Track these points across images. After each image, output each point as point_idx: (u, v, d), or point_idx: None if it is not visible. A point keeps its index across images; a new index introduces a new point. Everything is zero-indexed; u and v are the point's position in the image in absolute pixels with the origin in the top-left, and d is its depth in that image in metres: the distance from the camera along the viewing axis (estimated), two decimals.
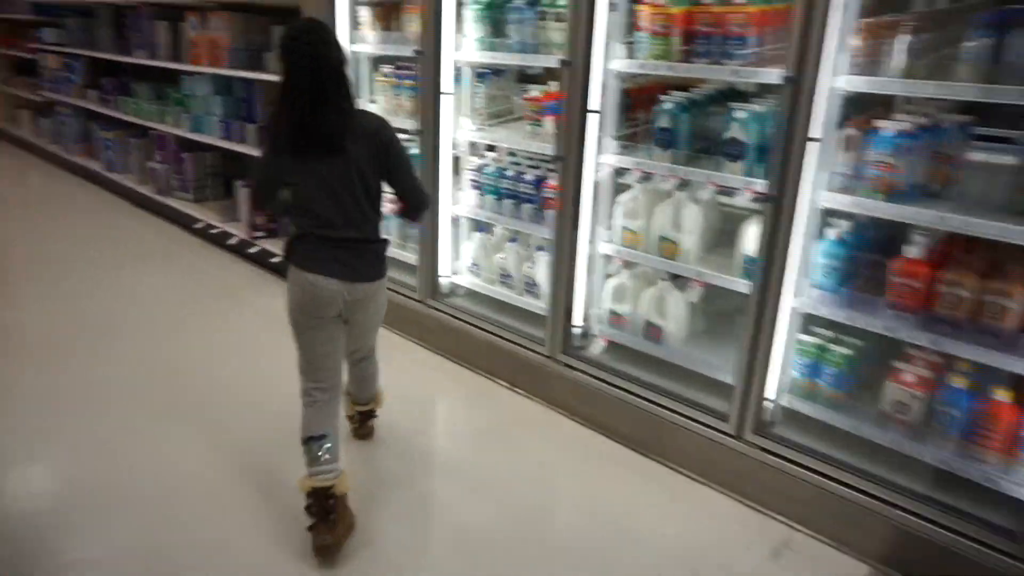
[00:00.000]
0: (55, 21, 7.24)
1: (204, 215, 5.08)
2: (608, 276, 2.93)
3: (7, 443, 2.65)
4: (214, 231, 4.95)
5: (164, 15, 5.28)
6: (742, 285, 2.45)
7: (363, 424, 2.78)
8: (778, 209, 2.21)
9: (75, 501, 2.35)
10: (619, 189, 2.83)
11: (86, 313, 3.88)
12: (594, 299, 2.96)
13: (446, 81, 3.20)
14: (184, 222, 5.30)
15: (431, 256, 3.47)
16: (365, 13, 3.65)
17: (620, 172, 2.77)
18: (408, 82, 3.50)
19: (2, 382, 3.08)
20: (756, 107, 2.37)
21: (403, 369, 3.32)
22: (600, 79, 2.65)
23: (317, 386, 2.16)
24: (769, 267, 2.28)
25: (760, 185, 2.30)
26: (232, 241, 4.77)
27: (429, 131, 3.26)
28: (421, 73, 3.20)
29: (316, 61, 1.95)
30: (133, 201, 6.00)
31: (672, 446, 2.65)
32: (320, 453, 2.10)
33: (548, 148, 2.91)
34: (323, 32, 2.01)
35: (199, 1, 4.69)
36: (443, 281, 3.54)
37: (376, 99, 3.78)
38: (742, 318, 2.40)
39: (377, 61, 3.80)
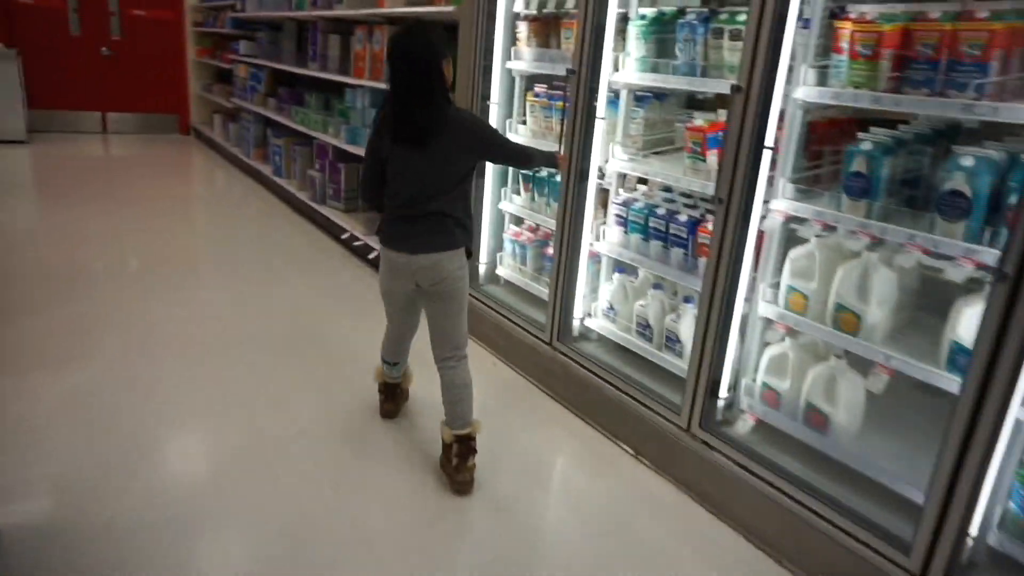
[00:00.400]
0: (250, 35, 7.81)
1: (351, 226, 5.11)
2: (766, 344, 2.45)
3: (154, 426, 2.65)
4: (358, 243, 4.95)
5: (337, 29, 5.43)
6: (948, 381, 1.89)
7: (461, 462, 2.42)
8: (1015, 291, 1.65)
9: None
10: (791, 242, 2.35)
11: (223, 319, 3.95)
12: (746, 368, 2.49)
13: (600, 104, 2.88)
14: (334, 231, 5.37)
15: (564, 294, 3.14)
16: (523, 28, 3.43)
17: (794, 222, 2.29)
18: (560, 103, 3.22)
19: (149, 375, 3.15)
20: (991, 153, 1.83)
21: (520, 416, 3.02)
22: (779, 109, 2.21)
23: (389, 360, 2.79)
24: (992, 364, 1.72)
25: (989, 256, 1.76)
26: (373, 255, 4.73)
27: (577, 157, 2.94)
28: (573, 94, 2.90)
29: (408, 64, 2.19)
30: (293, 206, 6.22)
31: (826, 566, 2.11)
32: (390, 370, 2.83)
33: (710, 186, 2.50)
34: (419, 36, 2.22)
35: (367, 16, 4.73)
36: (575, 323, 3.20)
37: (526, 119, 3.54)
38: (944, 422, 1.84)
39: (531, 80, 3.57)
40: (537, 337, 3.28)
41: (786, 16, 2.12)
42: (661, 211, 2.77)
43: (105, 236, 5.15)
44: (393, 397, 2.91)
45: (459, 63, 3.63)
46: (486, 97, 3.59)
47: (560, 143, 2.94)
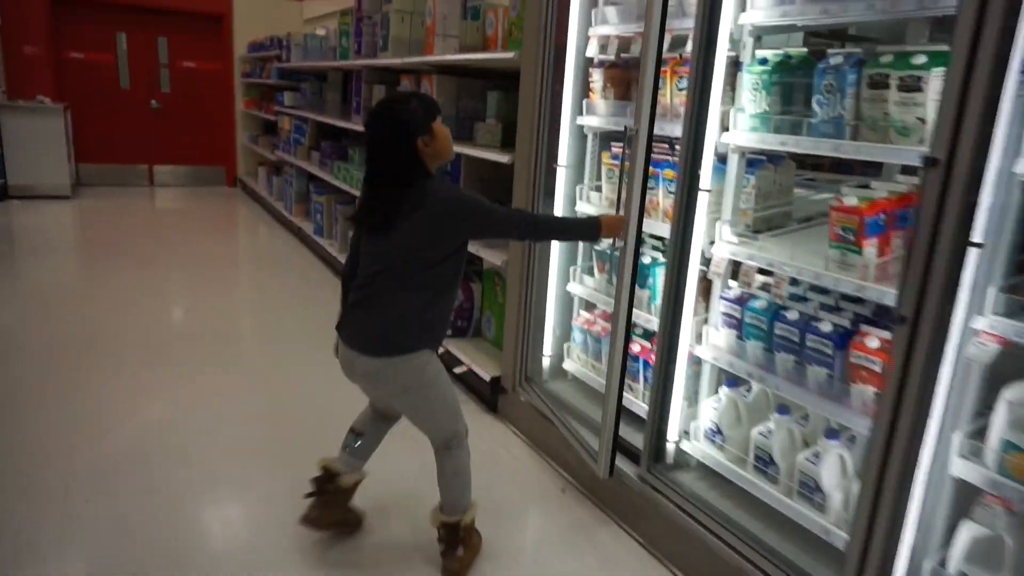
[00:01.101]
0: (295, 86, 7.48)
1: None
2: (968, 518, 1.71)
3: None
4: None
5: (382, 79, 4.95)
6: None
7: (448, 549, 2.23)
8: None
9: None
10: (1004, 377, 1.64)
11: (247, 405, 3.39)
12: (928, 547, 1.75)
13: (705, 172, 2.24)
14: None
15: (653, 409, 2.46)
16: (597, 77, 2.83)
17: (1014, 349, 1.58)
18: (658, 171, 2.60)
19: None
20: None
21: (593, 564, 2.32)
22: (993, 191, 1.52)
23: (355, 427, 2.39)
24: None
25: None
26: None
27: (675, 239, 2.29)
28: (681, 159, 2.26)
29: (373, 146, 2.03)
30: (335, 269, 5.72)
31: None
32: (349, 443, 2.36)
33: (867, 288, 1.82)
34: (386, 115, 2.00)
35: (414, 64, 4.23)
36: (668, 446, 2.51)
37: (601, 185, 2.92)
38: None
39: (606, 138, 2.95)
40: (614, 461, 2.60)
41: (1009, 61, 1.45)
42: (793, 316, 2.09)
43: (129, 302, 4.70)
44: (327, 502, 2.30)
45: (521, 119, 3.04)
46: (552, 159, 2.99)
47: (618, 203, 2.32)
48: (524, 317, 3.18)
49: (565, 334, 3.22)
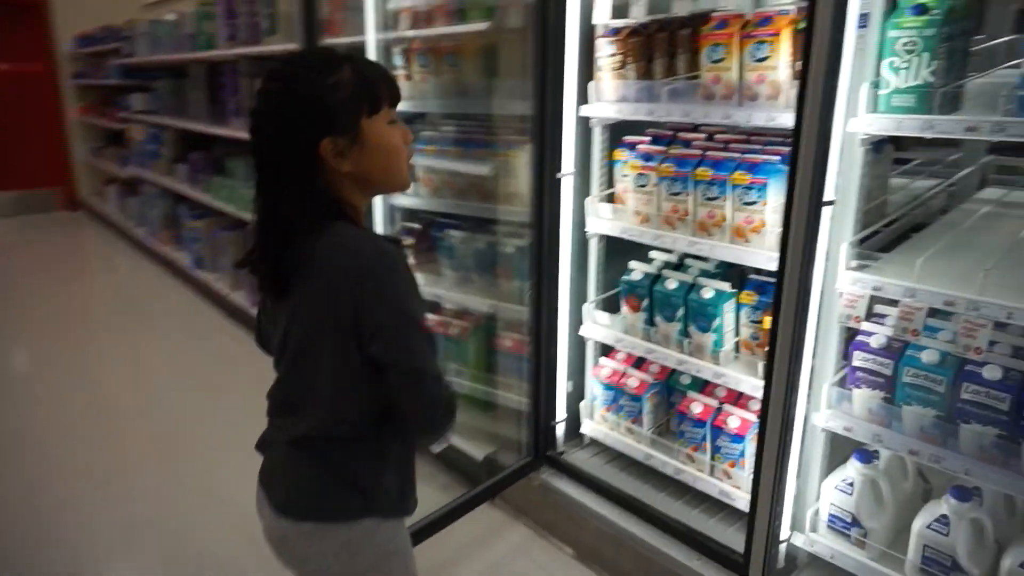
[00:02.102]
0: (145, 85, 6.17)
1: None
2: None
3: None
4: None
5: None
6: None
7: None
8: None
9: None
10: None
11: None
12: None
13: (830, 179, 1.56)
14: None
15: (765, 495, 1.79)
16: (609, 50, 2.09)
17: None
18: (683, 171, 1.92)
19: None
20: None
21: None
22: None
23: None
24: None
25: None
26: None
27: (793, 268, 1.60)
28: (798, 162, 1.56)
29: (255, 145, 1.18)
30: (226, 310, 4.64)
31: None
32: None
33: None
34: (280, 84, 1.15)
35: None
36: (780, 546, 1.85)
37: (614, 194, 2.21)
38: None
39: (616, 131, 2.24)
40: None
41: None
42: (994, 375, 1.47)
43: None
44: None
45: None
46: (557, 166, 2.23)
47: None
48: (538, 362, 2.40)
49: (579, 391, 2.49)
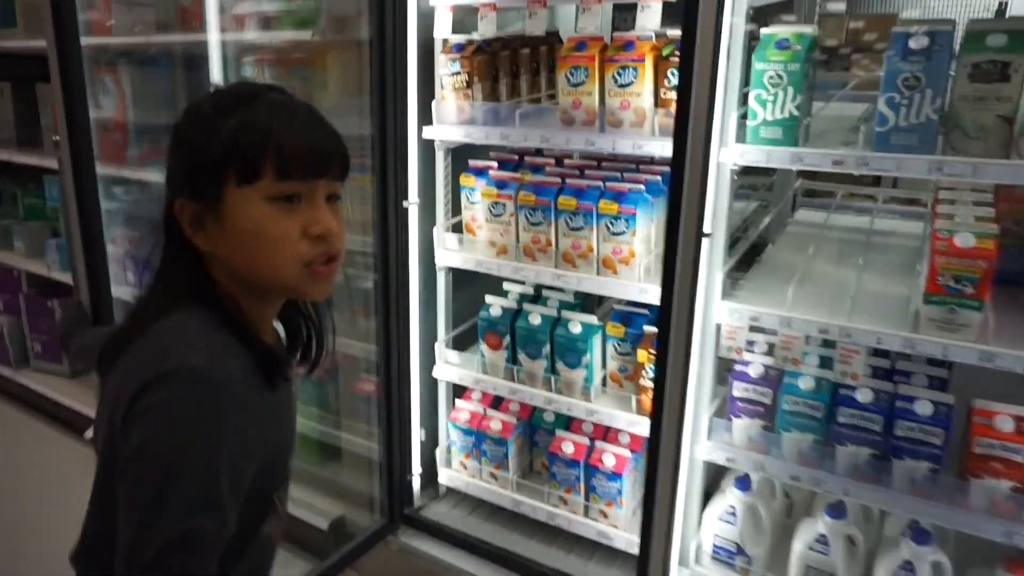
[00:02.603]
0: None
1: (92, 403, 2.98)
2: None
3: None
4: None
5: (6, 71, 3.19)
6: None
7: None
8: None
9: None
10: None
11: None
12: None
13: (708, 211, 1.52)
14: (59, 416, 3.12)
15: (660, 532, 1.72)
16: (453, 69, 1.91)
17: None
18: (545, 200, 1.81)
19: None
20: None
21: None
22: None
23: None
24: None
25: None
26: None
27: (682, 306, 1.54)
28: (682, 189, 1.48)
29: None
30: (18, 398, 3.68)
31: None
32: None
33: (999, 356, 1.33)
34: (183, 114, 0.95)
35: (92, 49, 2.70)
36: None
37: (462, 223, 2.03)
38: None
39: (465, 155, 2.06)
40: None
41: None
42: (866, 397, 1.52)
43: None
44: None
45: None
46: (403, 194, 1.99)
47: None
48: (390, 409, 2.14)
49: (432, 437, 2.27)
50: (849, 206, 2.26)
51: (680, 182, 1.47)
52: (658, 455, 1.64)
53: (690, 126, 1.43)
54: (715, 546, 1.78)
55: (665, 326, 1.55)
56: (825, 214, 2.21)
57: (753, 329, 1.61)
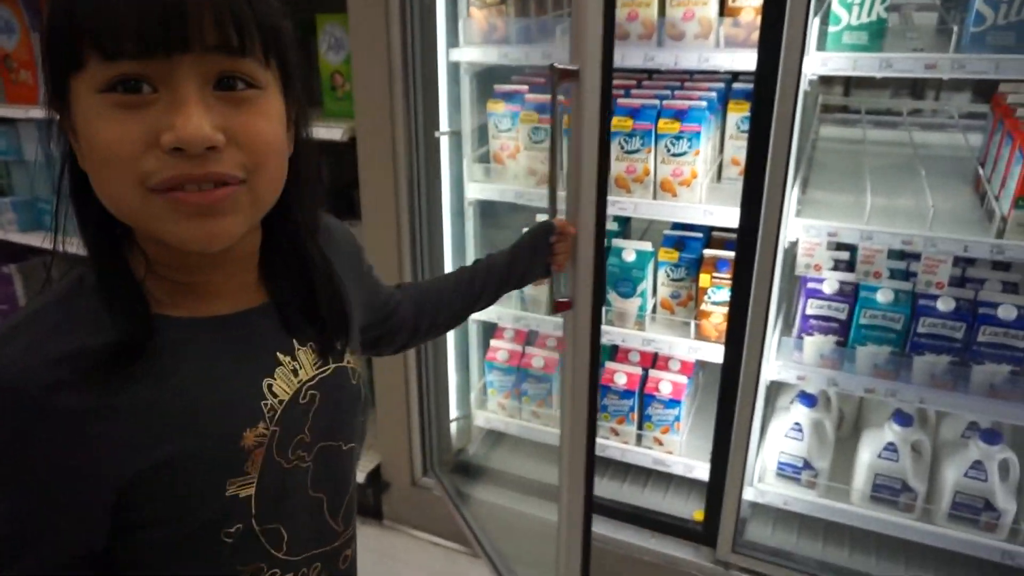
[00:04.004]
0: None
1: None
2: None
3: None
4: None
5: None
6: None
7: None
8: None
9: None
10: None
11: None
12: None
13: (784, 118, 1.45)
14: None
15: (738, 457, 1.72)
16: None
17: None
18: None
19: None
20: None
21: None
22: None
23: None
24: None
25: None
26: None
27: (770, 227, 1.49)
28: (773, 103, 1.40)
29: None
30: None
31: None
32: None
33: None
34: None
35: None
36: (750, 496, 1.80)
37: (489, 153, 1.90)
38: None
39: (493, 78, 1.92)
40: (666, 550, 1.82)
41: None
42: (947, 306, 1.53)
43: None
44: None
45: (360, 57, 1.77)
46: (433, 123, 1.84)
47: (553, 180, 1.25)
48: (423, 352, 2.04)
49: (466, 380, 2.20)
50: (874, 120, 2.24)
51: (770, 96, 1.39)
52: (738, 379, 1.62)
53: (784, 31, 1.34)
54: (781, 463, 1.79)
55: (750, 247, 1.50)
56: (853, 129, 2.19)
57: (830, 245, 1.58)
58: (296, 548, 0.73)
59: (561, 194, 1.13)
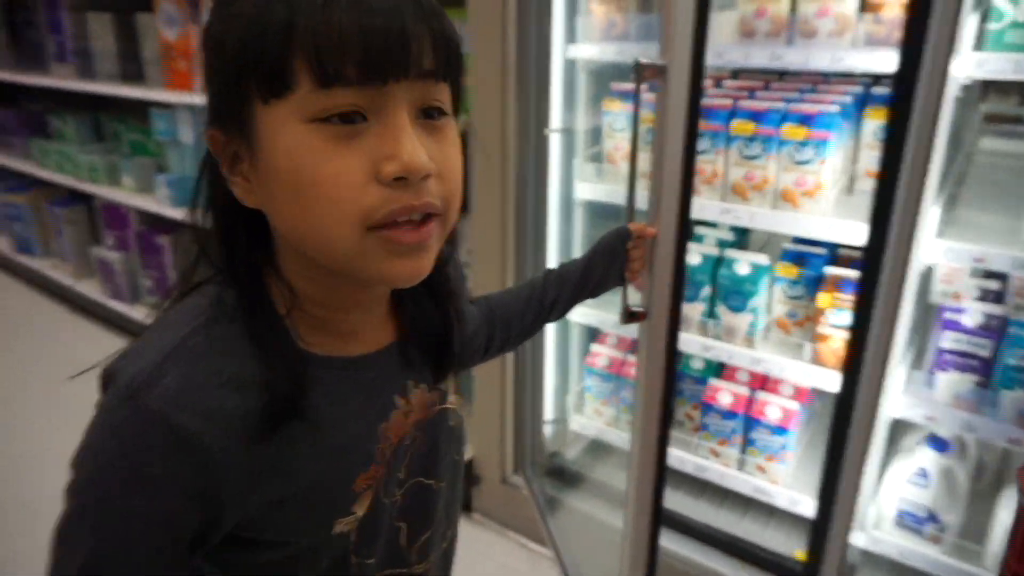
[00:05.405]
0: None
1: None
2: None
3: None
4: None
5: (108, 3, 3.10)
6: None
7: None
8: None
9: None
10: None
11: None
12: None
13: (943, 125, 1.29)
14: None
15: (848, 494, 1.57)
16: None
17: None
18: (715, 124, 1.60)
19: None
20: None
21: None
22: None
23: None
24: None
25: None
26: None
27: (900, 247, 1.33)
28: (911, 110, 1.25)
29: None
30: (72, 304, 3.78)
31: None
32: None
33: None
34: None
35: None
36: (861, 542, 1.64)
37: (601, 155, 1.84)
38: None
39: (610, 76, 1.86)
40: None
41: None
42: None
43: None
44: None
45: (482, 48, 1.77)
46: (543, 120, 1.81)
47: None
48: (520, 353, 2.03)
49: (564, 383, 2.16)
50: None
51: (909, 101, 1.24)
52: (851, 411, 1.47)
53: (931, 28, 1.19)
54: (901, 511, 1.61)
55: (874, 268, 1.35)
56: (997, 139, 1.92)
57: (976, 273, 1.39)
58: (373, 569, 0.72)
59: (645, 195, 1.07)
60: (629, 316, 1.10)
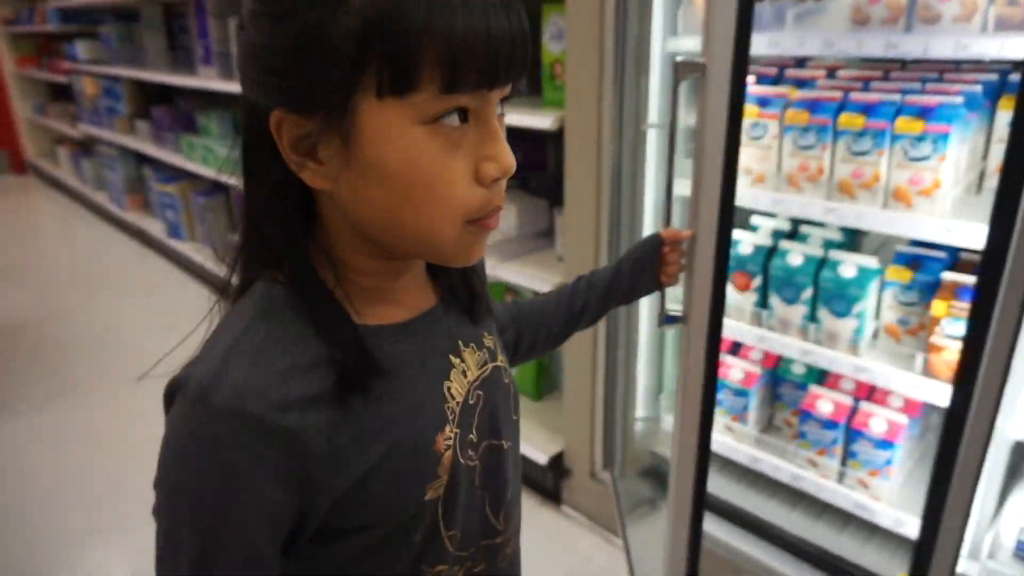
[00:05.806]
0: (89, 30, 5.46)
1: None
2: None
3: None
4: None
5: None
6: None
7: None
8: None
9: None
10: None
11: None
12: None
13: None
14: None
15: (954, 520, 1.45)
16: None
17: None
18: (821, 118, 1.51)
19: None
20: None
21: None
22: None
23: None
24: None
25: None
26: None
27: (1017, 254, 1.23)
28: None
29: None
30: (214, 285, 4.14)
31: None
32: None
33: None
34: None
35: None
36: (974, 573, 1.52)
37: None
38: None
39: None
40: None
41: None
42: None
43: None
44: None
45: (575, 42, 1.78)
46: (641, 116, 1.79)
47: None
48: (610, 356, 2.03)
49: (658, 382, 2.13)
50: None
51: None
52: (962, 429, 1.35)
53: None
54: (1021, 541, 1.47)
55: (996, 272, 1.24)
56: None
57: None
58: (463, 544, 0.73)
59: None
60: (667, 319, 1.08)
